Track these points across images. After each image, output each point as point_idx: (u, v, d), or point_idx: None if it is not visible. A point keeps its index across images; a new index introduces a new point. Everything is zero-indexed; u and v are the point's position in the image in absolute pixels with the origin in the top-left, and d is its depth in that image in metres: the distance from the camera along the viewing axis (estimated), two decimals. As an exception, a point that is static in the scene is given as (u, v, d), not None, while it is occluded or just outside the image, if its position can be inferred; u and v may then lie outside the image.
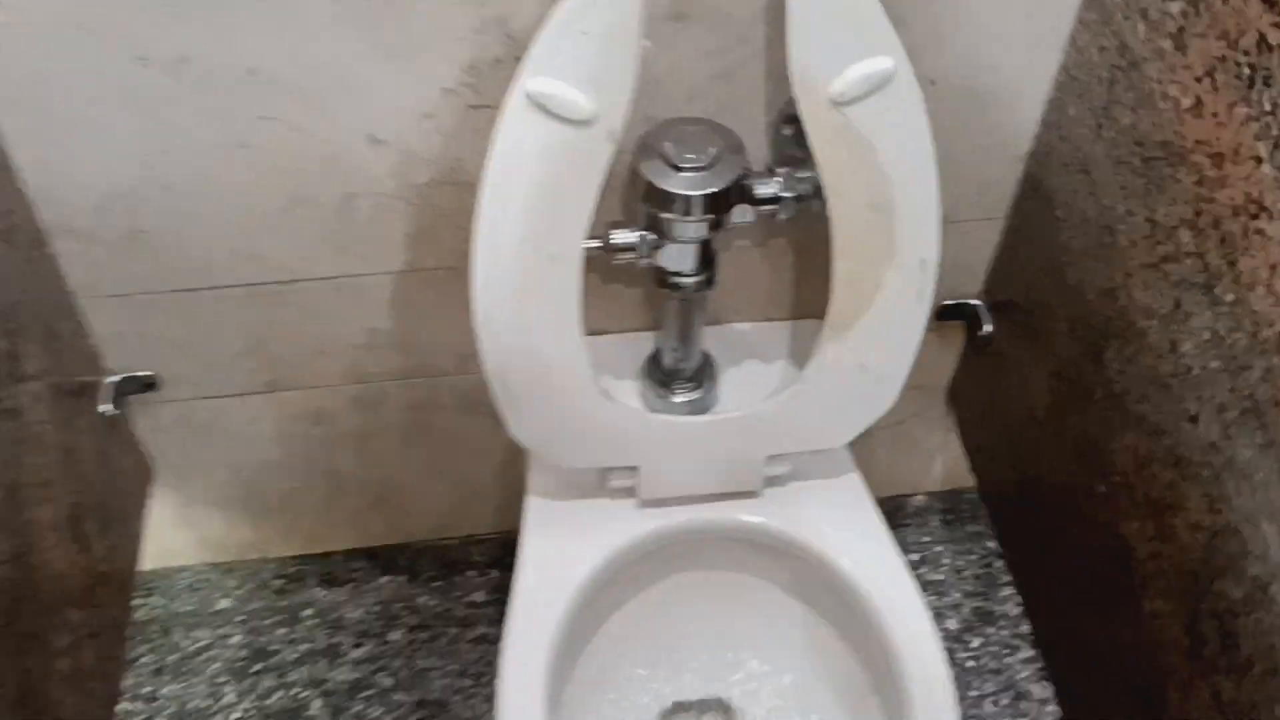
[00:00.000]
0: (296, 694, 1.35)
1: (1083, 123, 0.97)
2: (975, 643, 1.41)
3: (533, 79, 0.81)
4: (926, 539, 1.49)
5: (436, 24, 0.89)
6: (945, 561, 1.47)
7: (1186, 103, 0.82)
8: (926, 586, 1.44)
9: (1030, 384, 1.14)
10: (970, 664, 1.39)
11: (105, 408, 1.10)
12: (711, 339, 1.13)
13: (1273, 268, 0.75)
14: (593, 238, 0.95)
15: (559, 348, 0.94)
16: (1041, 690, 1.37)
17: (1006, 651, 1.40)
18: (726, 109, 0.97)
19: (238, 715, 1.34)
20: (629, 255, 0.98)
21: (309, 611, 1.41)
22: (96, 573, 1.07)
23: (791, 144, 1.00)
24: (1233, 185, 0.78)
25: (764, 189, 0.95)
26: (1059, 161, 1.02)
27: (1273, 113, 0.72)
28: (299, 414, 1.22)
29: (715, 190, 0.91)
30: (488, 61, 0.92)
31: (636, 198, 0.94)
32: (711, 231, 0.95)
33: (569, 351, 0.94)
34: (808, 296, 1.17)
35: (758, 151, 1.00)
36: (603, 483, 1.08)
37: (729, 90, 0.96)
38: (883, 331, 0.97)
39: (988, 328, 1.20)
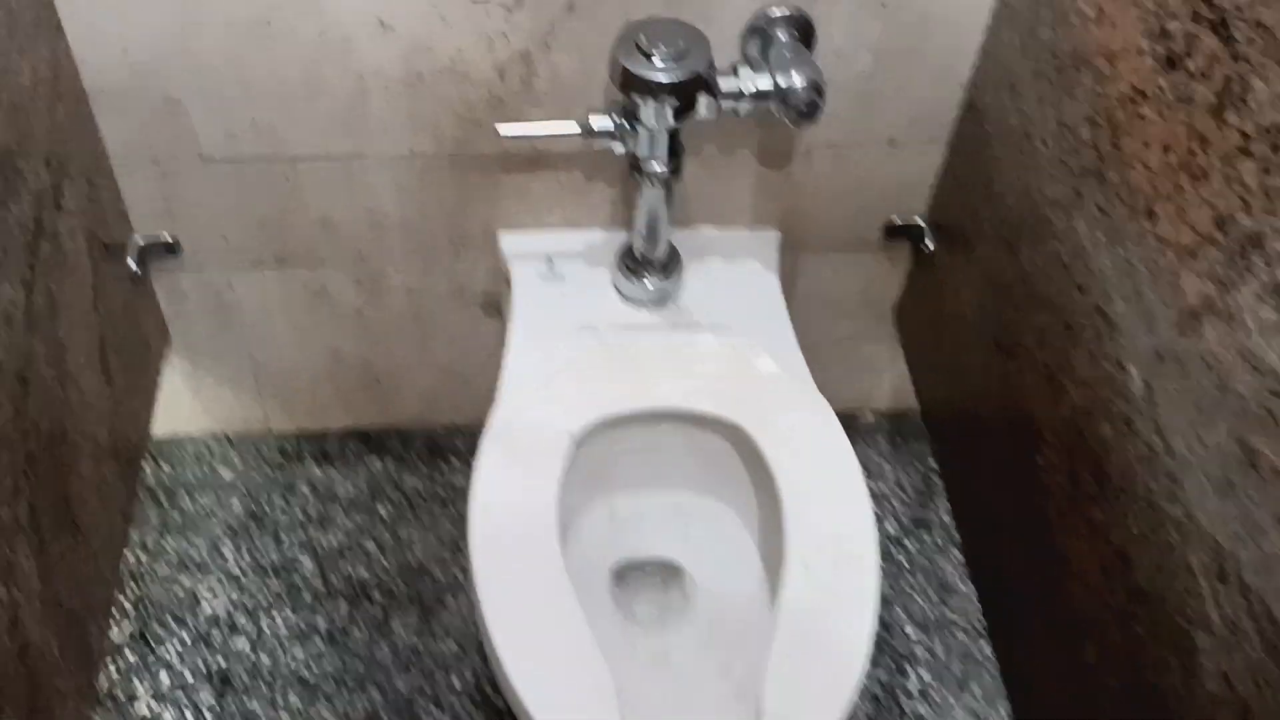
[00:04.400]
0: (289, 553, 1.48)
1: (1012, 45, 1.10)
2: (911, 545, 1.54)
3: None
4: (874, 455, 1.61)
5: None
6: (888, 475, 1.60)
7: (1091, 14, 0.95)
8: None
9: (962, 292, 1.27)
10: (905, 561, 1.52)
11: (132, 266, 1.23)
12: (680, 238, 1.26)
13: (1146, 144, 0.88)
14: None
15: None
16: (966, 587, 1.49)
17: (937, 553, 1.53)
18: (699, 15, 1.10)
19: (234, 568, 1.47)
20: (605, 141, 1.11)
21: (304, 485, 1.54)
22: (117, 404, 1.19)
23: (755, 50, 1.13)
24: (1122, 78, 0.91)
25: (727, 84, 1.08)
26: (992, 83, 1.15)
27: (1156, 11, 0.85)
28: (304, 290, 1.35)
29: (682, 78, 1.04)
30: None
31: (615, 87, 1.07)
32: (678, 120, 1.08)
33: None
34: (765, 206, 1.30)
35: (726, 57, 1.13)
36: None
37: (701, -4, 1.10)
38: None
39: (930, 245, 1.33)
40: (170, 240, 1.27)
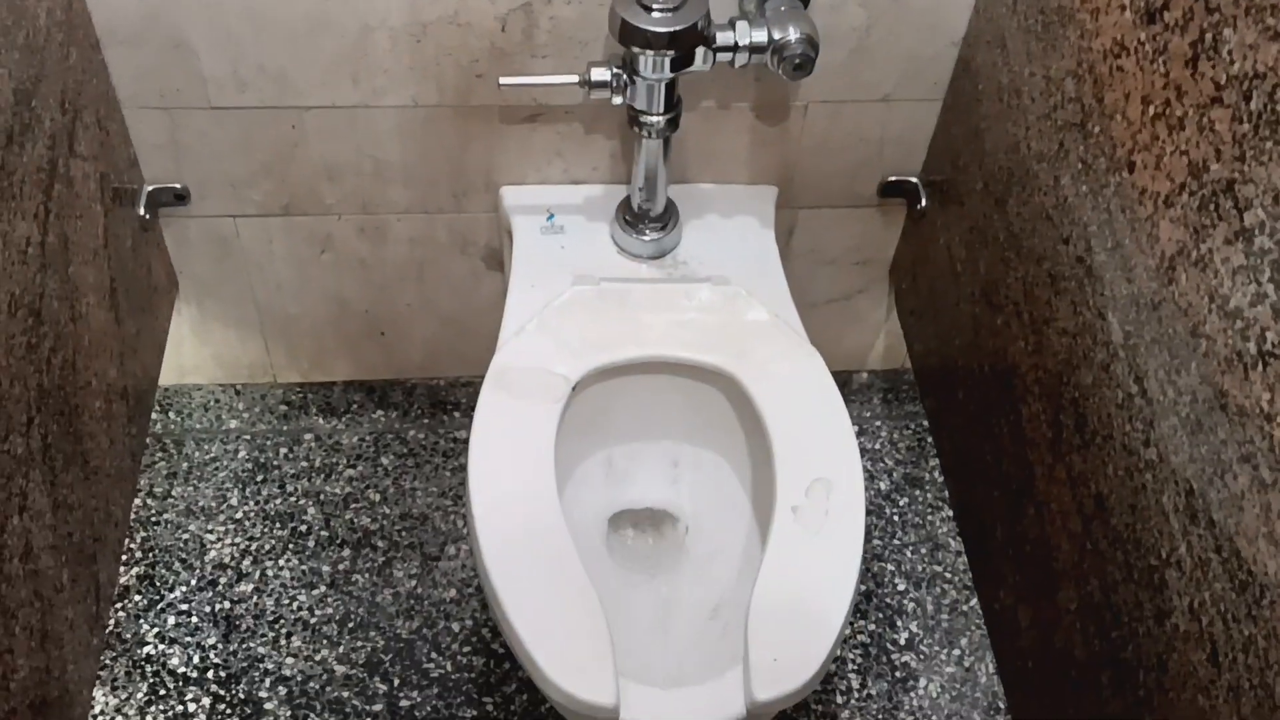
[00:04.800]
0: (294, 501, 1.52)
1: (1003, 1, 1.12)
2: (903, 501, 1.56)
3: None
4: (868, 414, 1.64)
5: None
6: (882, 434, 1.63)
7: (1077, -29, 0.97)
8: (863, 453, 1.59)
9: (953, 248, 1.30)
10: (897, 518, 1.55)
11: (141, 211, 1.26)
12: (677, 194, 1.29)
13: (1127, 96, 0.90)
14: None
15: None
16: (956, 544, 1.52)
17: (929, 511, 1.56)
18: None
19: (240, 515, 1.50)
20: (603, 92, 1.13)
21: (309, 436, 1.58)
22: (126, 346, 1.23)
23: (752, 5, 1.16)
24: (1104, 33, 0.93)
25: (723, 37, 1.11)
26: (984, 40, 1.17)
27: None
28: (309, 238, 1.38)
29: (679, 29, 1.06)
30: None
31: (614, 40, 1.09)
32: (676, 72, 1.10)
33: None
34: (762, 162, 1.32)
35: (724, 12, 1.15)
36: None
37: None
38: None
39: (924, 203, 1.35)
40: (179, 187, 1.30)
